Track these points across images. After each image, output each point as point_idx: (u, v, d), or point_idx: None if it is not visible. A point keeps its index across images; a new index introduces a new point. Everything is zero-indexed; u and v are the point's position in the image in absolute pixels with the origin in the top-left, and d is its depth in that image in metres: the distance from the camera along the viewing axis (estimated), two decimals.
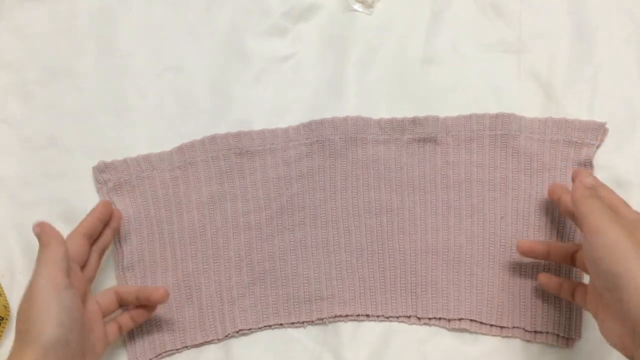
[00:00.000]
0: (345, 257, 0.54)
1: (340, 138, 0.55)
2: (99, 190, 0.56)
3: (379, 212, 0.55)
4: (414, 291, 0.53)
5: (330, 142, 0.55)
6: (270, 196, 0.55)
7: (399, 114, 0.57)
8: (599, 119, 0.55)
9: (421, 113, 0.57)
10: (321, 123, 0.56)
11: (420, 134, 0.55)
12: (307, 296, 0.53)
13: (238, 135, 0.56)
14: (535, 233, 0.53)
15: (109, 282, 0.55)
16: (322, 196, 0.55)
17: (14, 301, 0.54)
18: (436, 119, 0.55)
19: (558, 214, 0.53)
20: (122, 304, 0.50)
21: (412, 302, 0.53)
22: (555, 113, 0.56)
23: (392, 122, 0.56)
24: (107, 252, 0.54)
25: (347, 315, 0.53)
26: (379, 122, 0.56)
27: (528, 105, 0.56)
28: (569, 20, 0.58)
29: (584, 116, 0.55)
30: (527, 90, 0.57)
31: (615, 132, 0.55)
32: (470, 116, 0.55)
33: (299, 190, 0.55)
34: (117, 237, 0.54)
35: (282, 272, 0.54)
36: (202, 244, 0.54)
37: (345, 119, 0.56)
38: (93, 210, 0.52)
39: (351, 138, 0.55)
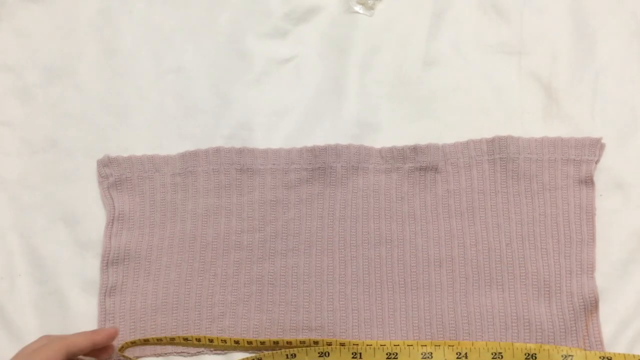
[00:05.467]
0: (339, 288, 0.52)
1: (342, 166, 0.55)
2: (100, 183, 0.56)
3: (378, 243, 0.53)
4: (417, 325, 0.51)
5: (332, 169, 0.55)
6: (266, 219, 0.54)
7: (400, 115, 0.57)
8: (599, 119, 0.55)
9: (422, 114, 0.57)
10: (324, 149, 0.55)
11: (422, 162, 0.54)
12: (294, 325, 0.52)
13: (241, 151, 0.56)
14: (543, 257, 0.51)
15: (91, 272, 0.54)
16: (319, 224, 0.54)
17: (14, 303, 0.54)
18: (437, 147, 0.54)
19: (563, 235, 0.52)
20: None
21: (414, 336, 0.51)
22: (556, 114, 0.56)
23: (392, 150, 0.55)
24: (97, 247, 0.55)
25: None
26: (380, 151, 0.55)
27: (529, 106, 0.56)
28: (571, 21, 0.58)
29: (585, 117, 0.55)
30: (528, 92, 0.57)
31: (616, 133, 0.55)
32: (468, 142, 0.55)
33: (295, 216, 0.54)
34: (108, 231, 0.55)
35: (269, 297, 0.53)
36: (190, 255, 0.54)
37: (348, 147, 0.55)
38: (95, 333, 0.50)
39: (353, 167, 0.55)
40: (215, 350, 0.52)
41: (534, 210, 0.53)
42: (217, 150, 0.56)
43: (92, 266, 0.55)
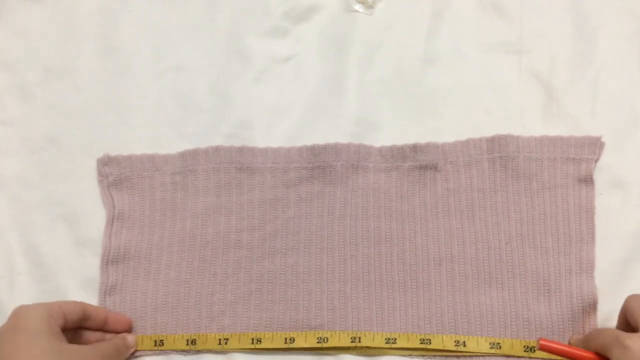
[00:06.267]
0: (338, 287, 0.52)
1: (341, 165, 0.55)
2: (99, 182, 0.56)
3: (378, 242, 0.53)
4: (416, 324, 0.51)
5: (331, 168, 0.55)
6: (266, 217, 0.54)
7: (400, 114, 0.57)
8: (599, 118, 0.55)
9: (422, 113, 0.57)
10: (324, 148, 0.55)
11: (422, 161, 0.54)
12: (293, 323, 0.52)
13: (241, 150, 0.56)
14: (542, 255, 0.51)
15: (91, 271, 0.54)
16: (319, 222, 0.54)
17: (14, 302, 0.54)
18: (437, 146, 0.54)
19: (562, 234, 0.52)
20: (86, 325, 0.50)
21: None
22: (556, 113, 0.55)
23: (392, 149, 0.55)
24: (97, 246, 0.55)
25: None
26: (380, 149, 0.55)
27: (529, 105, 0.56)
28: (570, 19, 0.58)
29: (585, 116, 0.55)
30: (528, 90, 0.57)
31: (616, 132, 0.54)
32: (467, 141, 0.55)
33: (295, 214, 0.54)
34: (108, 230, 0.55)
35: (269, 296, 0.53)
36: (190, 254, 0.54)
37: (348, 145, 0.55)
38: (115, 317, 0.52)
39: (352, 165, 0.55)
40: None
41: (533, 209, 0.53)
42: (217, 149, 0.56)
43: (92, 265, 0.55)
